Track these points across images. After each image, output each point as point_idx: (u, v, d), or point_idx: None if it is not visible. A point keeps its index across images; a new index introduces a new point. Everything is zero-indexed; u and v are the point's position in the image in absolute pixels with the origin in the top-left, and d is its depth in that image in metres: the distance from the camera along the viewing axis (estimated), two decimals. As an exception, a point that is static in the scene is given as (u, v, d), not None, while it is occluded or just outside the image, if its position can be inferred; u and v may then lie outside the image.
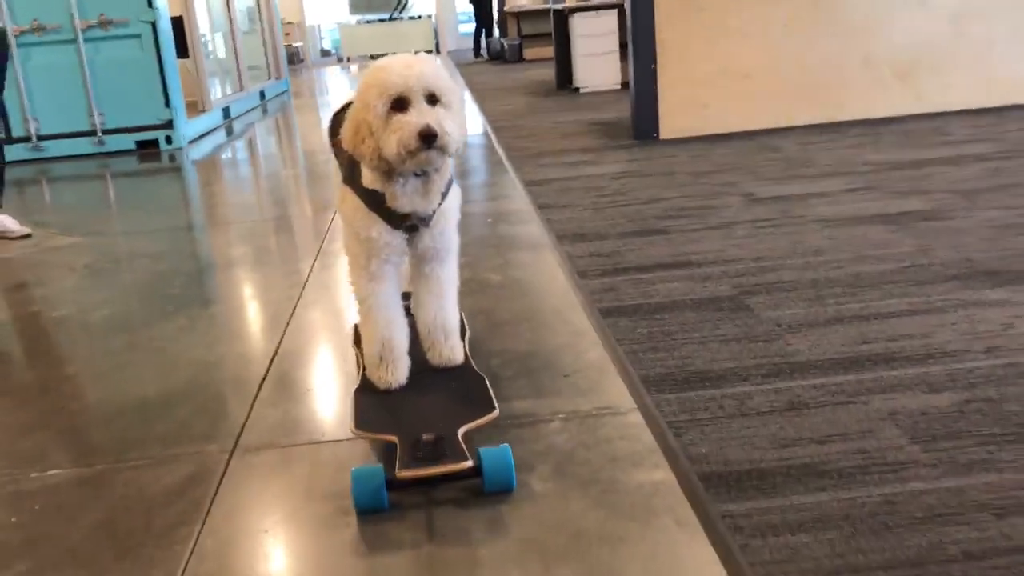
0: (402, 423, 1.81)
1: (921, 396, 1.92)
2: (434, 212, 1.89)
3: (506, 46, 14.55)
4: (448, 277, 2.02)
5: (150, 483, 1.86)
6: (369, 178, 1.83)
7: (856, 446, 1.74)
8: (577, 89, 9.08)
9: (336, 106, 2.10)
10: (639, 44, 5.54)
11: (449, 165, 1.87)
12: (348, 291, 2.07)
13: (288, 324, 2.76)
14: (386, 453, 1.82)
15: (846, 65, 5.65)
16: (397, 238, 1.88)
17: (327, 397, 2.25)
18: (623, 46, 8.56)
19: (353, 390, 1.96)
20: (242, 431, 2.06)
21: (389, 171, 1.79)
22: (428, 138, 1.68)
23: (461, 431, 1.74)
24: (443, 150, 1.72)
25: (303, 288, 3.13)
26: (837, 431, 1.80)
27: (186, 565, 1.56)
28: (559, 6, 9.68)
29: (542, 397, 2.09)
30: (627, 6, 5.61)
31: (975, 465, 1.64)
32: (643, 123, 5.66)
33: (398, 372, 1.97)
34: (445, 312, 2.02)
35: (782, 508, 1.57)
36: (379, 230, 1.86)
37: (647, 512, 1.61)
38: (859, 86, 5.70)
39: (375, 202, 1.85)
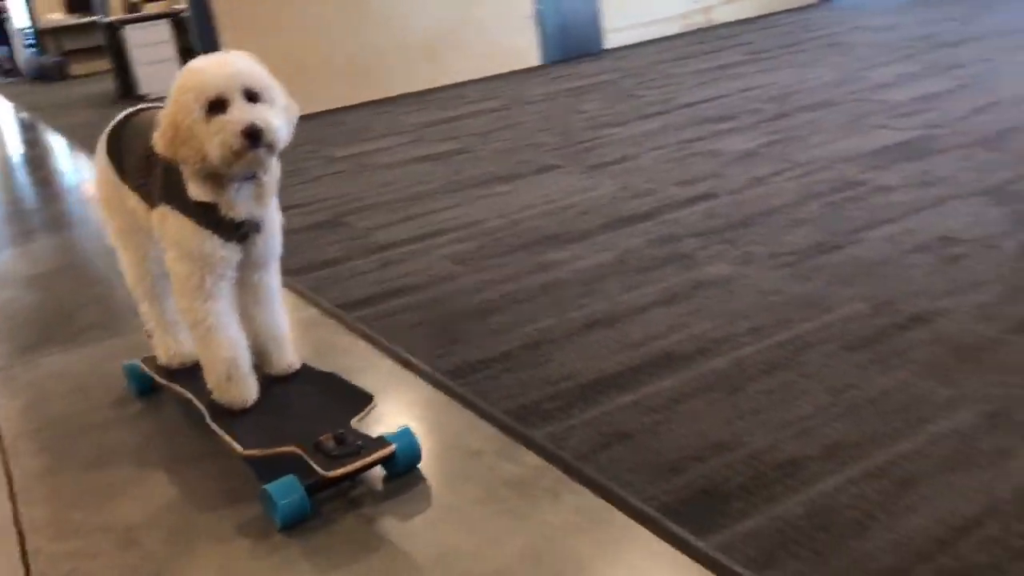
0: (289, 432, 1.73)
1: (458, 245, 3.07)
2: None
3: (46, 64, 14.05)
4: (276, 284, 1.95)
5: None
6: (198, 190, 1.71)
7: (426, 275, 2.83)
8: (143, 97, 9.42)
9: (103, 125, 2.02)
10: (205, 49, 6.28)
11: (277, 165, 1.79)
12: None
13: (-33, 304, 3.21)
14: (259, 469, 1.72)
15: (386, 50, 6.89)
16: (232, 250, 1.77)
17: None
18: (182, 52, 9.12)
19: (208, 419, 1.84)
20: None
21: (218, 178, 1.70)
22: (253, 136, 1.60)
23: (353, 424, 1.75)
24: (271, 147, 1.64)
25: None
26: (418, 268, 2.88)
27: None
28: (107, 19, 9.87)
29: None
30: (188, 13, 6.30)
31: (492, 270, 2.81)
32: (223, 116, 6.40)
33: (251, 388, 1.87)
34: (277, 320, 1.96)
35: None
36: (212, 245, 1.74)
37: (309, 330, 2.54)
38: (399, 67, 6.98)
39: (205, 215, 1.73)
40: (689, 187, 3.35)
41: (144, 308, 2.12)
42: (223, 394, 1.86)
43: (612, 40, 7.77)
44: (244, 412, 1.85)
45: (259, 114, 1.63)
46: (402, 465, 1.72)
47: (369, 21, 6.82)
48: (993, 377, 1.77)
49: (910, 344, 1.95)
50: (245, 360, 1.86)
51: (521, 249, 2.95)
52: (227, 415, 1.84)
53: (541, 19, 7.49)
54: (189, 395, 1.96)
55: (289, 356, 1.99)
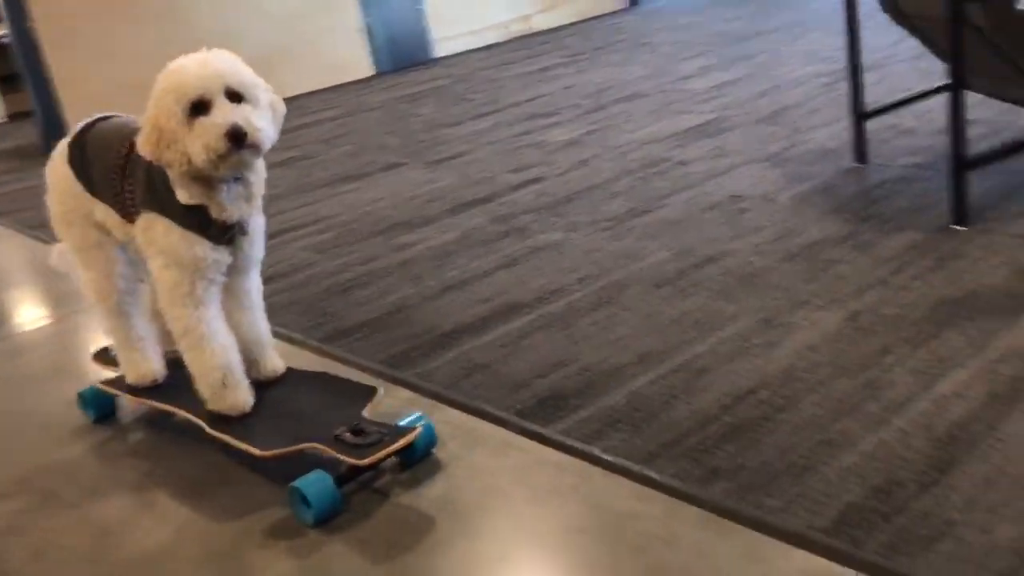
0: (302, 430, 1.73)
1: (316, 237, 3.34)
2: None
3: None
4: (258, 286, 1.95)
5: None
6: (186, 193, 1.68)
7: (288, 264, 3.09)
8: (-41, 127, 9.05)
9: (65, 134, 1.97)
10: (34, 74, 6.21)
11: (263, 165, 1.77)
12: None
13: None
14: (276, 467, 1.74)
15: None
16: (222, 253, 1.75)
17: None
18: (4, 79, 8.83)
19: (208, 430, 1.80)
20: None
21: (206, 180, 1.67)
22: (236, 138, 1.56)
23: (365, 415, 1.75)
24: (255, 148, 1.61)
25: None
26: (280, 259, 3.13)
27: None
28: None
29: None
30: (9, 39, 6.21)
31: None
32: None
33: (247, 393, 1.84)
34: (259, 324, 1.95)
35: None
36: (203, 248, 1.71)
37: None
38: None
39: (194, 219, 1.70)
40: (521, 173, 3.75)
41: (109, 326, 2.03)
42: (220, 402, 1.82)
43: (441, 49, 8.15)
44: (244, 417, 1.82)
45: (242, 115, 1.58)
46: (421, 450, 1.75)
47: (199, 41, 6.89)
48: (765, 294, 2.22)
49: (704, 277, 2.39)
50: (239, 365, 1.83)
51: (375, 235, 3.25)
52: (227, 422, 1.81)
53: (371, 32, 7.78)
54: (179, 409, 1.91)
55: (275, 360, 1.99)
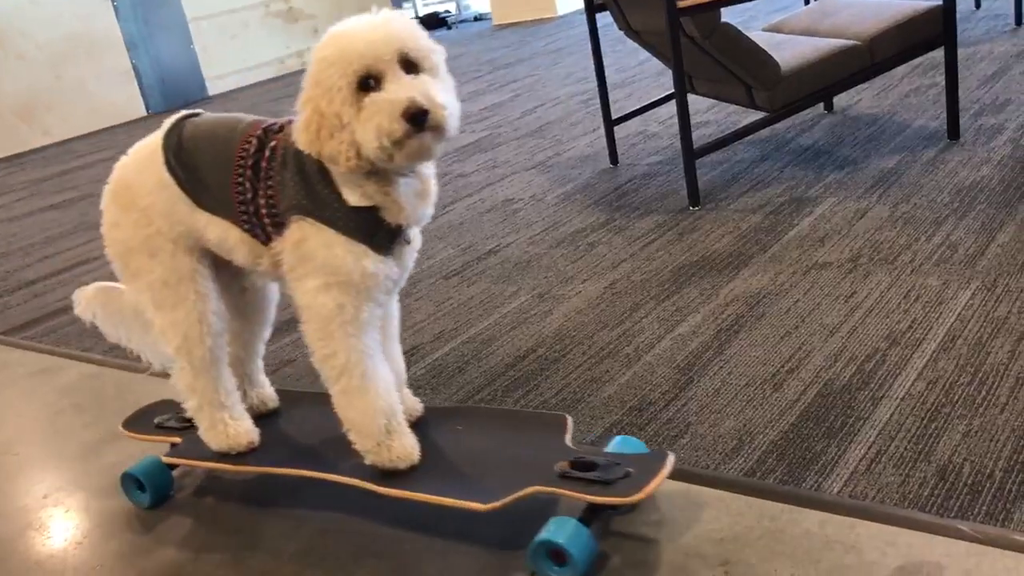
0: (515, 473, 1.41)
1: (107, 268, 3.34)
2: None
3: None
4: (398, 311, 1.64)
5: None
6: (359, 193, 1.36)
7: (82, 295, 3.09)
8: None
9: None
10: None
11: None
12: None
13: None
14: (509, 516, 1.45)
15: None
16: (390, 266, 1.42)
17: None
18: None
19: (382, 491, 1.46)
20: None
21: (381, 174, 1.36)
22: (417, 117, 1.25)
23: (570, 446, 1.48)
24: (439, 130, 1.29)
25: None
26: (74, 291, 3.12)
27: None
28: None
29: None
30: None
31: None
32: None
33: (412, 438, 1.50)
34: (400, 357, 1.65)
35: (54, 326, 2.84)
36: (372, 262, 1.38)
37: None
38: (-9, 131, 6.75)
39: (360, 225, 1.37)
40: (309, 195, 3.91)
41: (193, 381, 1.61)
42: (385, 453, 1.47)
43: (215, 87, 8.12)
44: (414, 469, 1.48)
45: (421, 88, 1.27)
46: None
47: (-50, 86, 6.54)
48: (539, 275, 2.53)
49: (486, 267, 2.67)
50: (400, 406, 1.50)
51: (169, 262, 3.31)
52: (398, 478, 1.47)
53: (138, 73, 7.64)
54: (329, 474, 1.52)
55: (413, 398, 1.67)
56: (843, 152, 3.08)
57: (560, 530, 1.30)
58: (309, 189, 1.38)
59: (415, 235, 1.48)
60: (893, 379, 1.69)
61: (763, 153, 3.24)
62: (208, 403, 1.63)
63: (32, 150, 6.85)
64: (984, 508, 1.32)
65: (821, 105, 3.60)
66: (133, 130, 6.94)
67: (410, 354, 2.17)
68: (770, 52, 2.81)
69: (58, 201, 4.74)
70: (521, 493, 1.35)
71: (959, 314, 1.89)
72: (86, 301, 1.75)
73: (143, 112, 7.63)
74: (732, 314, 2.07)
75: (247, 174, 1.43)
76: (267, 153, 1.43)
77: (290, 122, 1.42)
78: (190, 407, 1.65)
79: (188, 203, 1.50)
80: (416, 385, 2.01)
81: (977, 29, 4.51)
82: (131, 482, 1.73)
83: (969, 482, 1.38)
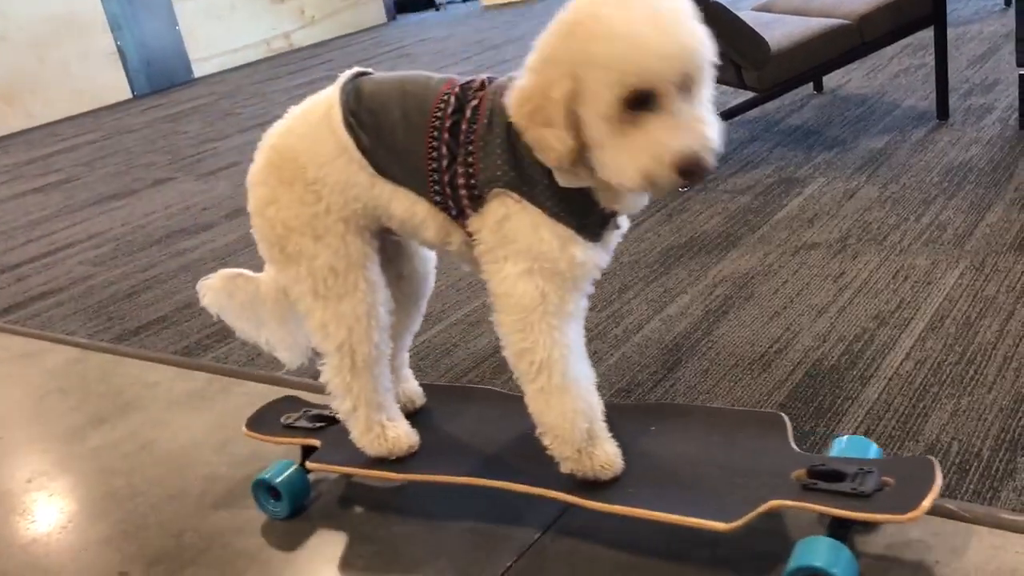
0: (744, 486, 1.25)
1: (91, 252, 3.31)
2: None
3: None
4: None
5: None
6: (571, 175, 1.19)
7: (67, 279, 3.06)
8: None
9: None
10: None
11: None
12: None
13: None
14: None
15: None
16: (599, 254, 1.28)
17: None
18: None
19: (593, 504, 1.28)
20: None
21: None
22: (693, 173, 1.09)
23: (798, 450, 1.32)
24: (703, 178, 1.15)
25: None
26: (57, 275, 3.09)
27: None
28: None
29: None
30: None
31: (130, 263, 3.12)
32: None
33: (615, 446, 1.34)
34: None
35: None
36: (582, 249, 1.23)
37: None
38: (-27, 113, 6.67)
39: (571, 208, 1.22)
40: (296, 177, 3.88)
41: (351, 381, 1.42)
42: (587, 461, 1.30)
43: (201, 69, 8.04)
44: (616, 480, 1.32)
45: (700, 129, 1.09)
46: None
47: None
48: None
49: (474, 249, 2.66)
50: (600, 409, 1.34)
51: (153, 245, 3.28)
52: (604, 490, 1.30)
53: (124, 55, 7.56)
54: (523, 486, 1.34)
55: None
56: (832, 132, 3.07)
57: (813, 549, 1.13)
58: (517, 161, 1.20)
59: (624, 220, 1.31)
60: (881, 359, 1.69)
61: (752, 134, 3.23)
62: (365, 404, 1.44)
63: (15, 133, 6.77)
64: (972, 487, 1.32)
65: (810, 85, 3.59)
66: (118, 112, 6.87)
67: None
68: (759, 31, 2.79)
69: (41, 184, 4.69)
70: (763, 508, 1.18)
71: (947, 294, 1.88)
72: (212, 292, 1.52)
73: (128, 95, 7.55)
74: (720, 295, 2.06)
75: (444, 137, 1.25)
76: (468, 114, 1.24)
77: (490, 80, 1.27)
78: (342, 410, 1.45)
79: (369, 172, 1.30)
80: (403, 367, 2.00)
81: (967, 9, 4.50)
82: (264, 490, 1.55)
83: (957, 461, 1.38)
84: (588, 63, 1.08)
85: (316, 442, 1.56)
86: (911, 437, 1.45)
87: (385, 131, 1.28)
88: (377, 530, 1.49)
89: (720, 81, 3.22)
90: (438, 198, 1.27)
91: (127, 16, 7.51)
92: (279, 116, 1.41)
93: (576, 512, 1.36)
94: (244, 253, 2.99)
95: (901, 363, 1.66)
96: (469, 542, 1.42)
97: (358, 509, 1.56)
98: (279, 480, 1.52)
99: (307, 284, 1.37)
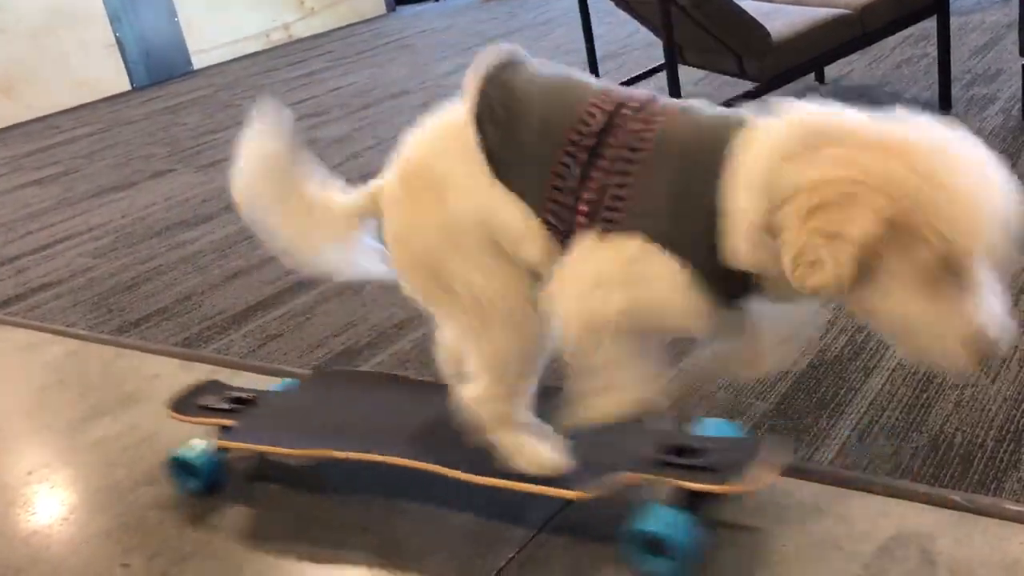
0: (614, 460, 1.33)
1: (91, 244, 3.30)
2: None
3: None
4: None
5: None
6: (752, 255, 1.02)
7: (67, 271, 3.05)
8: None
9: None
10: None
11: None
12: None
13: None
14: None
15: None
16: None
17: None
18: None
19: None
20: None
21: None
22: (983, 359, 0.99)
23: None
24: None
25: None
26: (57, 267, 3.08)
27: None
28: None
29: None
30: None
31: (130, 255, 3.11)
32: None
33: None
34: None
35: (37, 302, 2.81)
36: (707, 320, 1.09)
37: None
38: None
39: (723, 286, 1.07)
40: (296, 169, 3.87)
41: (507, 408, 1.30)
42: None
43: (200, 60, 8.01)
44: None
45: (997, 313, 0.98)
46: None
47: (-70, 60, 6.43)
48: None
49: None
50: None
51: (153, 236, 3.27)
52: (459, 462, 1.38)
53: (123, 47, 7.53)
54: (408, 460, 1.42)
55: None
56: (834, 123, 3.06)
57: (669, 523, 1.21)
58: (679, 213, 1.04)
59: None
60: (885, 349, 1.68)
61: (753, 124, 3.22)
62: (518, 428, 1.32)
63: (13, 125, 6.75)
64: (976, 477, 1.32)
65: (812, 76, 3.57)
66: (117, 104, 6.85)
67: (397, 328, 2.15)
68: (761, 21, 2.78)
69: (40, 177, 4.68)
70: (619, 479, 1.27)
71: (951, 284, 1.87)
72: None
73: (127, 86, 7.52)
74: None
75: (579, 156, 1.10)
76: (619, 136, 1.10)
77: (653, 99, 1.14)
78: (494, 436, 1.32)
79: (486, 171, 1.15)
80: (403, 360, 1.99)
81: (968, -1, 4.49)
82: (180, 467, 1.62)
83: (961, 452, 1.38)
84: (943, 218, 0.94)
85: (230, 422, 1.63)
86: (914, 428, 1.45)
87: (519, 131, 1.14)
88: (379, 524, 1.49)
89: (722, 71, 3.22)
90: (552, 216, 1.13)
91: (126, 7, 7.49)
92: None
93: (575, 507, 1.40)
94: (244, 245, 2.98)
95: (904, 354, 1.66)
96: (470, 536, 1.42)
97: (360, 504, 1.56)
98: (196, 458, 1.59)
99: (470, 317, 1.22)
